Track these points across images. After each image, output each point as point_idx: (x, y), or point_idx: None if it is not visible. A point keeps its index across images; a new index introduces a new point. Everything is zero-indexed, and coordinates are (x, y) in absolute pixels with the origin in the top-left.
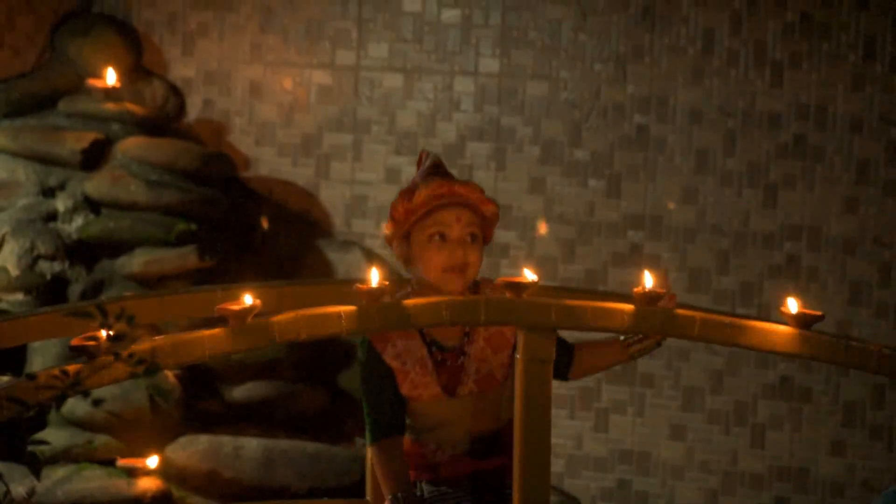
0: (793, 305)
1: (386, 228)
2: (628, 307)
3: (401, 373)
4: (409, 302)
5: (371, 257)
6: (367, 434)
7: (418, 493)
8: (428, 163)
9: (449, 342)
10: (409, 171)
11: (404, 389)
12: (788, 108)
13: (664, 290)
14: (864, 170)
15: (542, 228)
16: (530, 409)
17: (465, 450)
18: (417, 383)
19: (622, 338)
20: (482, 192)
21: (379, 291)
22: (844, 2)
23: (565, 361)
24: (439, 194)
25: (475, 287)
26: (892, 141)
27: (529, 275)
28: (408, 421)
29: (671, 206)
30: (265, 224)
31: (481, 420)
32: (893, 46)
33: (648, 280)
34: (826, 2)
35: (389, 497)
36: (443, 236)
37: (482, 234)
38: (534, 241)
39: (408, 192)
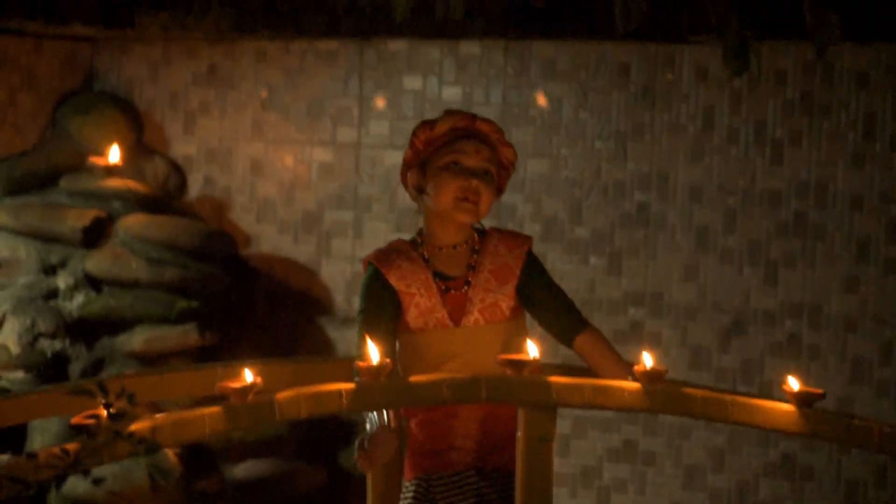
0: (794, 383)
1: (404, 159)
2: (629, 385)
3: (406, 295)
4: (412, 379)
5: None
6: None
7: (424, 486)
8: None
9: (453, 272)
10: None
11: (410, 317)
12: (789, 185)
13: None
14: (865, 248)
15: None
16: (531, 488)
17: None
18: (423, 308)
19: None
20: (503, 133)
21: (379, 369)
22: (844, 81)
23: (572, 335)
24: (461, 126)
25: (483, 233)
26: (892, 219)
27: (532, 351)
28: (413, 370)
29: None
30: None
31: (486, 356)
32: (893, 125)
33: (648, 359)
34: (826, 81)
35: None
36: (459, 165)
37: (497, 178)
38: None
39: (430, 122)
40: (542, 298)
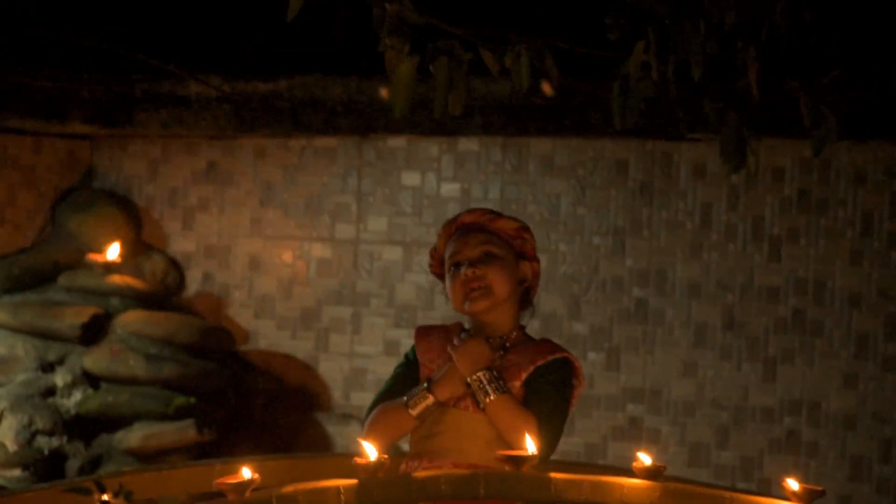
0: (793, 485)
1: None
2: (627, 481)
3: (427, 369)
4: (413, 476)
5: None
6: (370, 406)
7: None
8: None
9: None
10: (407, 344)
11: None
12: (787, 282)
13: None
14: (863, 345)
15: None
16: None
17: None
18: None
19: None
20: (492, 213)
21: (377, 465)
22: (842, 178)
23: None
24: (450, 232)
25: (522, 337)
26: (890, 316)
27: (530, 447)
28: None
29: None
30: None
31: (468, 443)
32: (891, 222)
33: (645, 457)
34: (823, 178)
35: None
36: (457, 265)
37: (510, 252)
38: None
39: (434, 248)
40: (527, 397)
